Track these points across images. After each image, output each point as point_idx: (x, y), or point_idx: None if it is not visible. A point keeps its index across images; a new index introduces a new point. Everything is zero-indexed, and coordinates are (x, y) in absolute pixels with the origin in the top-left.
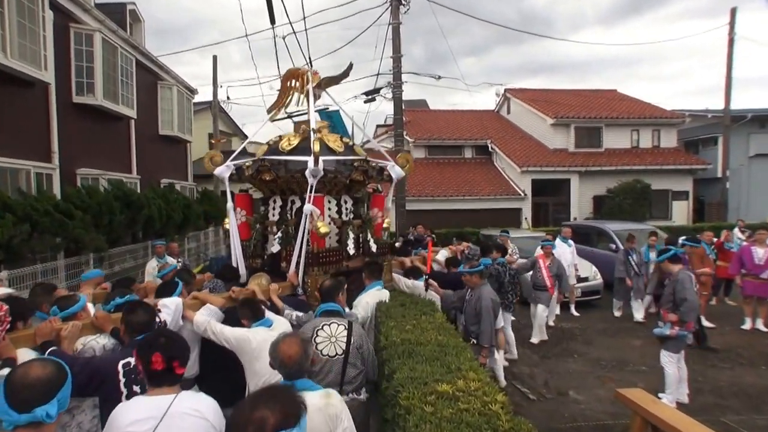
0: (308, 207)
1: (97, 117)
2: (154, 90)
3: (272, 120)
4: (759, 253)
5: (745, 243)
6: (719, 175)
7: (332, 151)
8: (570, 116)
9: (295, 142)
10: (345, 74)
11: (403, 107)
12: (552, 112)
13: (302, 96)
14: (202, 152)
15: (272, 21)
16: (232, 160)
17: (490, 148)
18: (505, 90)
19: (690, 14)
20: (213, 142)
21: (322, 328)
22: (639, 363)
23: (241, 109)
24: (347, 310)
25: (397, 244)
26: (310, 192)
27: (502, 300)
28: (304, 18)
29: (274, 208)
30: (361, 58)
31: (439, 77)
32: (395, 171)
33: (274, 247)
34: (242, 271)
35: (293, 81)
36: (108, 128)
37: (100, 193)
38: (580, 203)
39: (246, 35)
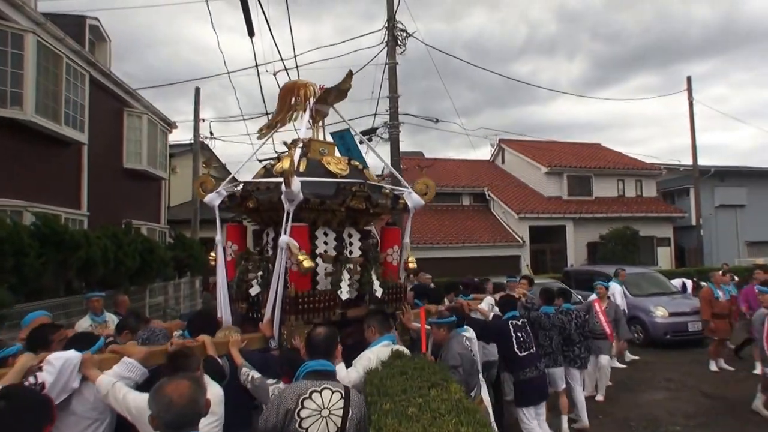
0: (284, 239)
1: (26, 136)
2: (118, 117)
3: (259, 138)
4: None
5: None
6: (693, 223)
7: (333, 175)
8: (562, 165)
9: (303, 166)
10: (347, 83)
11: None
12: (545, 161)
13: (302, 113)
14: (185, 196)
15: (251, 33)
16: (224, 186)
17: (487, 196)
18: (500, 140)
19: (646, 89)
20: (204, 165)
21: (310, 397)
22: (669, 421)
23: (231, 152)
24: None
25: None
26: (287, 221)
27: (567, 353)
28: (295, 56)
29: (267, 242)
30: (357, 98)
31: (437, 120)
32: (412, 199)
33: (254, 289)
34: (226, 317)
35: (293, 97)
36: (45, 153)
37: (4, 227)
38: (575, 249)
39: (227, 72)
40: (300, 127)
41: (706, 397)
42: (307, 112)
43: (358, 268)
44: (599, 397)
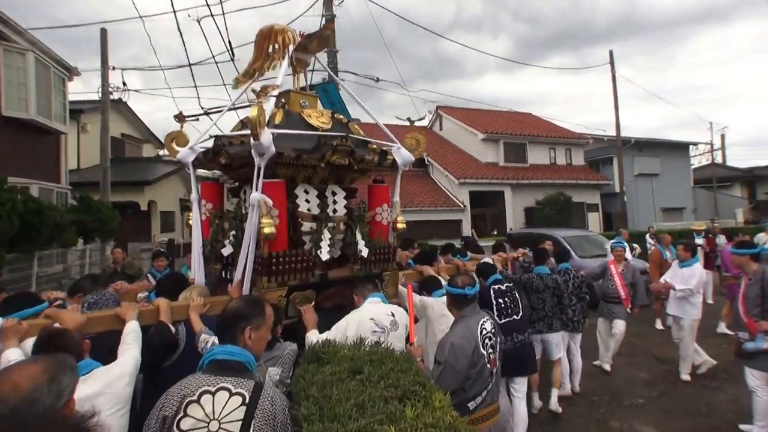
0: (255, 196)
1: None
2: None
3: (235, 87)
4: None
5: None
6: (617, 190)
7: (314, 129)
8: (498, 132)
9: (279, 118)
10: (327, 29)
11: None
12: (482, 128)
13: (281, 62)
14: (94, 158)
15: None
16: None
17: (426, 161)
18: (438, 107)
19: (563, 71)
20: (177, 119)
21: (197, 401)
22: (633, 394)
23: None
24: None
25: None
26: (258, 177)
27: (561, 317)
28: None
29: (245, 200)
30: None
31: (378, 79)
32: (401, 155)
33: (226, 249)
34: (200, 279)
35: (270, 44)
36: None
37: None
38: (514, 214)
39: (140, 16)
40: (285, 78)
41: (660, 362)
42: (285, 60)
43: (342, 227)
44: (606, 367)
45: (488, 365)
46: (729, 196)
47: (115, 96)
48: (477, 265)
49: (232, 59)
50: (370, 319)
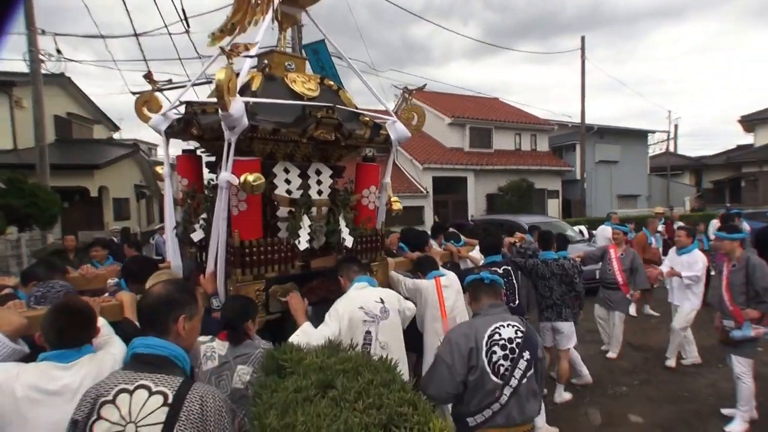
0: (224, 176)
1: None
2: None
3: (210, 46)
4: None
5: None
6: (578, 177)
7: (298, 97)
8: (465, 116)
9: (257, 83)
10: None
11: None
12: (449, 112)
13: (264, 16)
14: (26, 137)
15: None
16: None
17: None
18: (403, 89)
19: (530, 58)
20: (147, 80)
21: (113, 401)
22: (615, 383)
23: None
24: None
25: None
26: (227, 153)
27: (560, 309)
28: None
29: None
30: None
31: (342, 57)
32: (396, 130)
33: (196, 234)
34: (175, 262)
35: None
36: None
37: None
38: (476, 200)
39: None
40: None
41: (635, 350)
42: (269, 14)
43: (323, 213)
44: (611, 354)
45: (494, 377)
46: (680, 184)
47: (50, 67)
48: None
49: (187, 31)
50: (359, 308)
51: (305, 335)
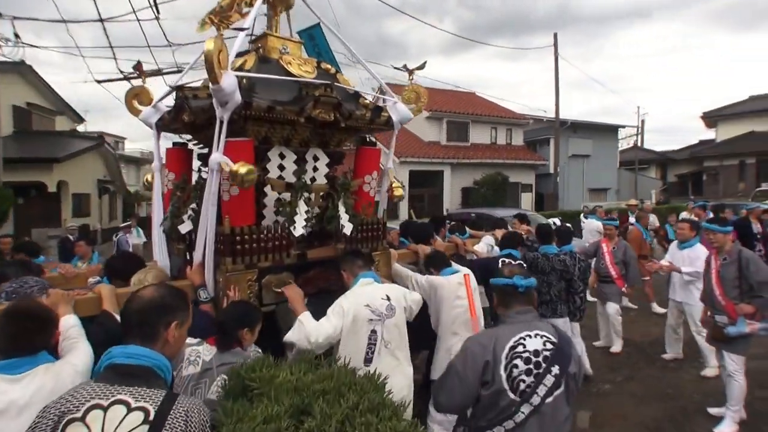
0: (215, 157)
1: None
2: None
3: (200, 31)
4: None
5: None
6: (551, 171)
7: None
8: (443, 110)
9: (250, 63)
10: None
11: None
12: (427, 105)
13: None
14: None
15: None
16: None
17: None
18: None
19: (502, 55)
20: (137, 71)
21: (82, 419)
22: (598, 380)
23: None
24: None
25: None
26: (220, 133)
27: (568, 305)
28: None
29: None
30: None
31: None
32: (398, 111)
33: (184, 226)
34: (162, 261)
35: None
36: None
37: None
38: (451, 194)
39: None
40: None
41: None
42: None
43: (321, 199)
44: (615, 349)
45: (511, 394)
46: (647, 178)
47: (8, 53)
48: (504, 235)
49: (157, 18)
50: (366, 305)
51: (302, 327)
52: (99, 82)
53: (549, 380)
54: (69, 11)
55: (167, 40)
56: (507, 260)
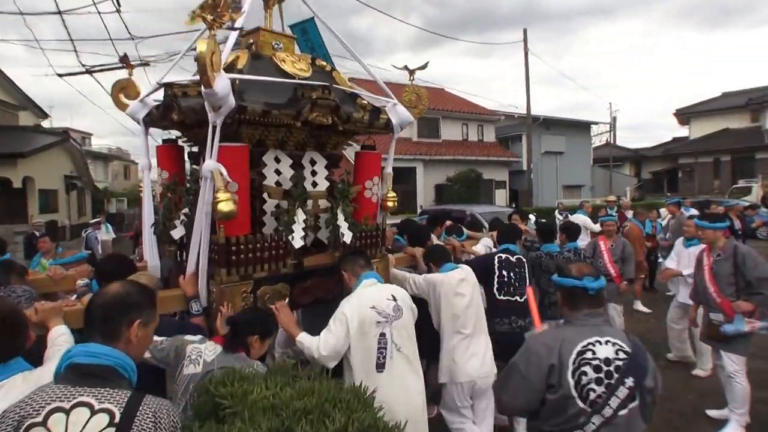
0: (208, 164)
1: None
2: None
3: (190, 23)
4: None
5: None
6: (524, 167)
7: (290, 78)
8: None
9: (243, 61)
10: None
11: None
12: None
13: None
14: None
15: None
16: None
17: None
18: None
19: (469, 51)
20: (124, 64)
21: (44, 423)
22: None
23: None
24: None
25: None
26: (213, 138)
27: None
28: None
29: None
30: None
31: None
32: (398, 113)
33: (177, 231)
34: (153, 262)
35: None
36: None
37: None
38: (425, 191)
39: None
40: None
41: None
42: None
43: (320, 206)
44: None
45: (581, 403)
46: (621, 175)
47: None
48: (501, 229)
49: (118, 11)
50: (371, 308)
51: (304, 347)
52: (60, 75)
53: (622, 392)
54: (25, 4)
55: (129, 33)
56: (504, 256)
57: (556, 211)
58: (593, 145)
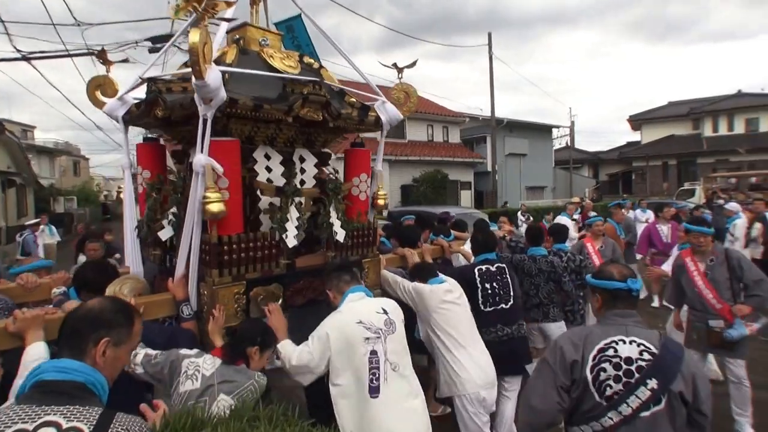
0: (200, 159)
1: None
2: None
3: (176, 17)
4: (664, 230)
5: (649, 221)
6: (489, 168)
7: (278, 73)
8: None
9: (231, 56)
10: None
11: None
12: (361, 99)
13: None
14: None
15: None
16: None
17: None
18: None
19: (433, 54)
20: (100, 59)
21: None
22: None
23: None
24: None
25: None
26: (204, 132)
27: (548, 308)
28: None
29: (189, 167)
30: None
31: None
32: (387, 111)
33: (164, 232)
34: (135, 267)
35: None
36: None
37: None
38: (391, 192)
39: None
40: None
41: None
42: None
43: (312, 204)
44: None
45: (597, 397)
46: (580, 176)
47: None
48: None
49: None
50: (358, 323)
51: (280, 354)
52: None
53: (643, 393)
54: None
55: (74, 18)
56: (485, 267)
57: (519, 212)
58: (554, 148)
